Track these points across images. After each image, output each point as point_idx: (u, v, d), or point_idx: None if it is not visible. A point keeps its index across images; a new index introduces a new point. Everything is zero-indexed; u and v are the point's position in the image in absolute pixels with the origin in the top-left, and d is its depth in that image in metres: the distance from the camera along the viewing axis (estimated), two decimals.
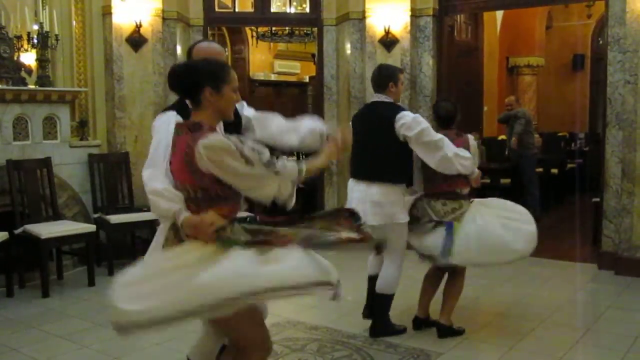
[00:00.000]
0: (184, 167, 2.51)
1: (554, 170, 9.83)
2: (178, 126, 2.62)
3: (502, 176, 8.28)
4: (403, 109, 4.21)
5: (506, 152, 8.87)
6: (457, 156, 4.09)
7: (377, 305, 4.40)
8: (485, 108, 10.43)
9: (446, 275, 4.49)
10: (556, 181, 9.90)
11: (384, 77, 4.24)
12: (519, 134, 8.47)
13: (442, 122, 4.39)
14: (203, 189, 2.50)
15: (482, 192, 7.99)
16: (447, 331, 4.27)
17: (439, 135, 4.11)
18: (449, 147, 4.08)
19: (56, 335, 4.44)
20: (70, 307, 5.12)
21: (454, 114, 4.36)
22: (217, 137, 2.48)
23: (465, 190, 4.29)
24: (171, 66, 2.75)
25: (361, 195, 4.16)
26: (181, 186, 2.55)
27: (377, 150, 4.16)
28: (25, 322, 4.74)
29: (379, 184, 4.14)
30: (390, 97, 4.22)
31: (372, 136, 4.15)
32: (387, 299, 4.37)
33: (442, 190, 4.23)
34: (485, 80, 10.40)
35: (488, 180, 8.16)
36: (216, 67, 2.60)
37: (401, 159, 4.19)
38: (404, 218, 4.20)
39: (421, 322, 4.45)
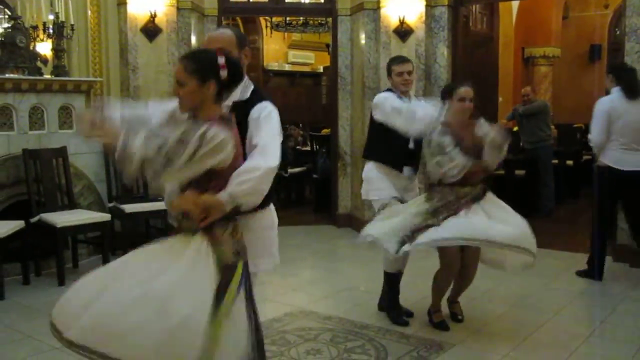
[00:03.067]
0: None
1: (570, 162, 9.76)
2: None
3: (517, 167, 8.23)
4: (381, 92, 4.47)
5: (521, 144, 8.81)
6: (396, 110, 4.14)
7: (383, 281, 4.54)
8: (501, 99, 10.36)
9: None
10: (571, 173, 9.83)
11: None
12: (531, 129, 8.41)
13: None
14: None
15: (498, 183, 7.98)
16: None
17: (397, 104, 4.17)
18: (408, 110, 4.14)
19: None
20: None
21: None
22: None
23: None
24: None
25: None
26: None
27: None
28: (42, 309, 4.77)
29: (366, 161, 4.48)
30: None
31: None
32: (388, 276, 4.48)
33: None
34: (500, 71, 10.32)
35: (503, 172, 8.11)
36: None
37: (373, 137, 4.43)
38: (374, 195, 4.37)
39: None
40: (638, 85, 5.25)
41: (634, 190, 5.25)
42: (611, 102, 5.27)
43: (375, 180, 4.37)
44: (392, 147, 4.30)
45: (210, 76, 2.44)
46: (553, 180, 8.48)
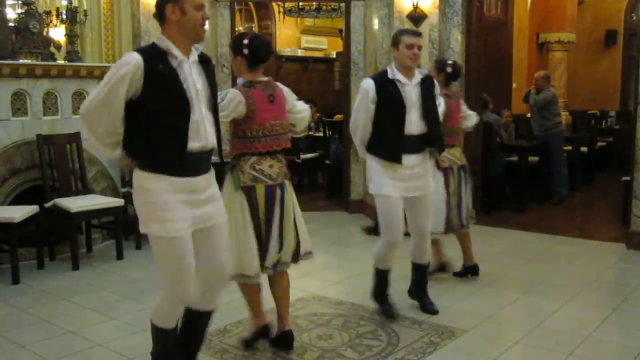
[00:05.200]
0: None
1: (584, 149, 9.69)
2: None
3: (530, 154, 8.18)
4: (368, 77, 4.21)
5: (533, 131, 8.74)
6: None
7: (373, 274, 4.36)
8: (515, 85, 10.29)
9: None
10: (586, 159, 9.77)
11: (391, 44, 4.15)
12: (540, 119, 8.35)
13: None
14: None
15: (512, 169, 7.95)
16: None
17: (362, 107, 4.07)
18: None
19: (86, 307, 4.52)
20: (100, 279, 5.21)
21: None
22: None
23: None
24: None
25: None
26: None
27: None
28: (56, 294, 4.83)
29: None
30: (392, 65, 4.07)
31: None
32: (378, 272, 4.30)
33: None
34: (514, 56, 10.23)
35: (516, 158, 8.07)
36: None
37: (371, 127, 4.08)
38: (372, 188, 4.11)
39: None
40: None
41: None
42: None
43: (373, 171, 4.09)
44: (385, 137, 4.02)
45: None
46: (565, 167, 8.42)
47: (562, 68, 12.53)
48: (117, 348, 3.80)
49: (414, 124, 4.01)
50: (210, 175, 2.95)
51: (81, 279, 5.23)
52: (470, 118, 5.16)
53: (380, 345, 3.81)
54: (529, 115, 9.67)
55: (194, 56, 2.86)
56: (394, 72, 4.01)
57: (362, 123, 4.04)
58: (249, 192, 3.48)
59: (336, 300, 4.61)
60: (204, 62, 2.91)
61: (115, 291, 4.87)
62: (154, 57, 2.71)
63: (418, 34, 4.13)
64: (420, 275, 4.40)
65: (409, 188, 4.06)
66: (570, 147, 9.02)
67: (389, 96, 3.97)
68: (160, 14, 2.78)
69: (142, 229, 2.85)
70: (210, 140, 2.87)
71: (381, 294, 4.32)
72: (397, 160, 4.00)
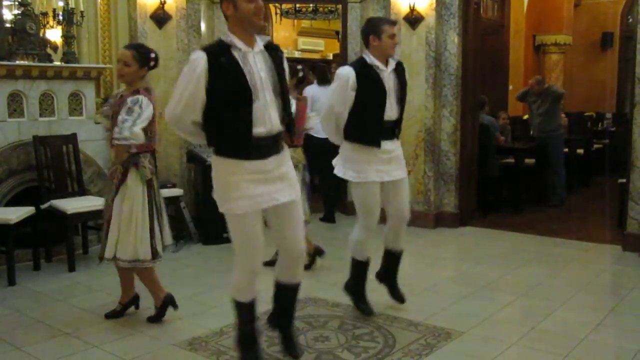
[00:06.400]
0: None
1: (580, 151, 9.71)
2: None
3: (526, 156, 8.20)
4: (345, 66, 4.20)
5: (531, 132, 8.76)
6: None
7: (350, 266, 4.38)
8: (511, 87, 10.31)
9: None
10: (582, 162, 9.79)
11: (364, 32, 4.15)
12: (544, 114, 8.34)
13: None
14: None
15: (508, 171, 7.96)
16: None
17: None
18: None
19: (82, 308, 4.52)
20: (96, 281, 5.20)
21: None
22: None
23: None
24: None
25: None
26: None
27: None
28: (52, 295, 4.82)
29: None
30: (370, 53, 4.09)
31: None
32: (356, 264, 4.32)
33: None
34: (511, 58, 10.27)
35: (512, 160, 8.09)
36: None
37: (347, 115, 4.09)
38: (351, 176, 4.12)
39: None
40: None
41: None
42: None
43: (349, 159, 4.13)
44: (365, 123, 4.04)
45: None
46: (564, 169, 8.44)
47: (559, 70, 12.58)
48: (114, 350, 3.79)
49: (391, 109, 4.10)
50: (282, 156, 3.19)
51: (77, 281, 5.22)
52: (313, 119, 5.23)
53: (376, 347, 3.81)
54: (525, 117, 9.68)
55: (260, 46, 3.07)
56: (371, 59, 4.06)
57: (338, 110, 4.05)
58: (151, 185, 4.06)
59: (333, 302, 4.61)
60: (272, 50, 3.11)
61: (111, 292, 4.84)
62: (217, 52, 2.97)
63: (395, 22, 4.36)
64: (394, 262, 4.43)
65: (389, 172, 4.12)
66: (566, 149, 9.03)
67: (370, 82, 4.02)
68: (223, 12, 3.06)
69: (220, 209, 3.15)
70: (276, 125, 3.08)
71: (358, 290, 4.35)
72: (377, 144, 4.05)
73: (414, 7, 6.84)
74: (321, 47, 14.39)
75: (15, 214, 5.11)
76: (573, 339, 3.90)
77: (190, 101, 2.97)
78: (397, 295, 4.45)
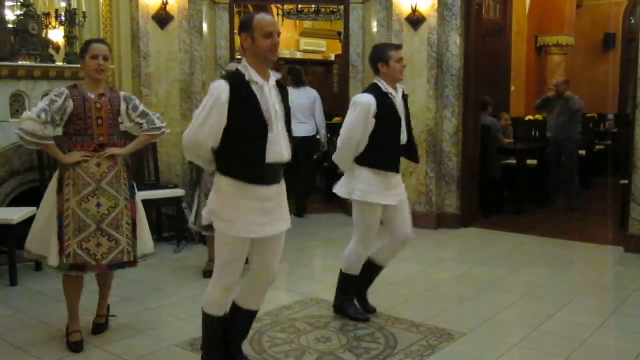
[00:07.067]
0: None
1: (582, 152, 9.69)
2: None
3: (528, 157, 8.19)
4: (363, 93, 4.16)
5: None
6: None
7: (338, 281, 4.38)
8: (513, 88, 10.31)
9: None
10: (584, 163, 9.77)
11: (372, 60, 4.17)
12: (567, 120, 8.30)
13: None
14: None
15: (510, 172, 7.96)
16: None
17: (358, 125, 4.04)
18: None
19: (84, 309, 4.50)
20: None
21: None
22: None
23: None
24: None
25: None
26: None
27: None
28: (54, 295, 4.81)
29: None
30: (381, 79, 4.10)
31: None
32: (348, 279, 4.32)
33: None
34: (513, 59, 10.27)
35: (514, 161, 8.08)
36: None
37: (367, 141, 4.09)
38: (358, 196, 4.08)
39: None
40: None
41: None
42: None
43: (362, 180, 4.09)
44: (383, 149, 4.08)
45: None
46: (576, 174, 8.42)
47: (561, 71, 12.56)
48: (115, 350, 3.79)
49: (403, 134, 4.16)
50: (281, 186, 3.28)
51: None
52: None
53: (378, 348, 3.81)
54: (527, 118, 9.66)
55: (273, 80, 3.19)
56: (385, 87, 4.10)
57: (358, 138, 4.04)
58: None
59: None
60: (280, 87, 3.26)
61: (112, 293, 4.84)
62: (237, 84, 3.07)
63: (401, 46, 4.45)
64: (374, 276, 4.43)
65: (396, 195, 4.16)
66: None
67: (388, 109, 4.06)
68: (240, 42, 3.17)
69: (208, 220, 3.22)
70: (286, 155, 3.20)
71: (349, 300, 4.34)
72: (396, 169, 4.16)
73: (416, 8, 6.84)
74: (323, 48, 14.40)
75: (17, 215, 5.12)
76: (575, 340, 3.90)
77: (214, 128, 3.05)
78: (369, 309, 4.41)
